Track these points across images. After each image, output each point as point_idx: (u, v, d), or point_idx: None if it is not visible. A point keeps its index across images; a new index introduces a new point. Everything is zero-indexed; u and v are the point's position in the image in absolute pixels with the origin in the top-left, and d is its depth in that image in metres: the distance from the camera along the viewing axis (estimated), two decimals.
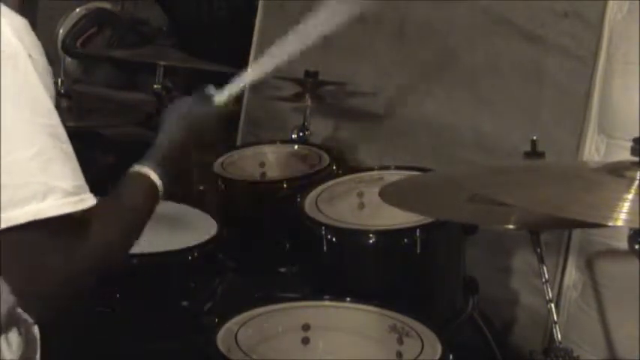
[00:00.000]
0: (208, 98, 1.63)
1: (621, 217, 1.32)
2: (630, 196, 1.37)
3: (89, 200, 1.18)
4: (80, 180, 1.19)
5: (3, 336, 1.25)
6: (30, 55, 1.16)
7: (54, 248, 1.15)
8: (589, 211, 1.37)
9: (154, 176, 1.39)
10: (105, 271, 1.25)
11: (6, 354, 1.25)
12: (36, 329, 1.35)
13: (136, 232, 1.33)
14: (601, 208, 1.37)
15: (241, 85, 1.70)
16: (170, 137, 1.50)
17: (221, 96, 1.65)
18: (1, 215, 1.10)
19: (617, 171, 1.46)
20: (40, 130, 1.14)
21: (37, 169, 1.13)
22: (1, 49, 1.13)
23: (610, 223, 1.33)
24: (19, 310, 1.33)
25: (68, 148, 1.19)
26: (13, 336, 1.28)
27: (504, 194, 1.50)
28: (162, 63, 2.94)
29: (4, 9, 1.17)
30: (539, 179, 1.61)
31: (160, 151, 1.46)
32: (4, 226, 1.11)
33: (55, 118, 1.18)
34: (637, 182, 1.41)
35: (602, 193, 1.44)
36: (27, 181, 1.12)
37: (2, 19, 1.15)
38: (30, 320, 1.35)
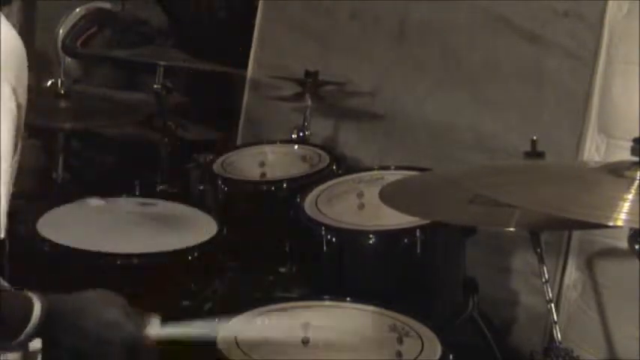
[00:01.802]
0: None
1: (621, 217, 1.32)
2: (630, 196, 1.37)
3: None
4: None
5: None
6: None
7: None
8: (589, 211, 1.37)
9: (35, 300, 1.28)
10: None
11: (9, 355, 1.25)
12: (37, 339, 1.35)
13: None
14: (601, 208, 1.37)
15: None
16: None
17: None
18: None
19: (617, 171, 1.46)
20: None
21: None
22: None
23: (610, 223, 1.33)
24: None
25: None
26: None
27: (504, 194, 1.50)
28: (162, 63, 2.94)
29: None
30: (539, 179, 1.61)
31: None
32: None
33: None
34: (637, 182, 1.41)
35: (602, 193, 1.44)
36: None
37: None
38: None
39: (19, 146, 1.27)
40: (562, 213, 1.42)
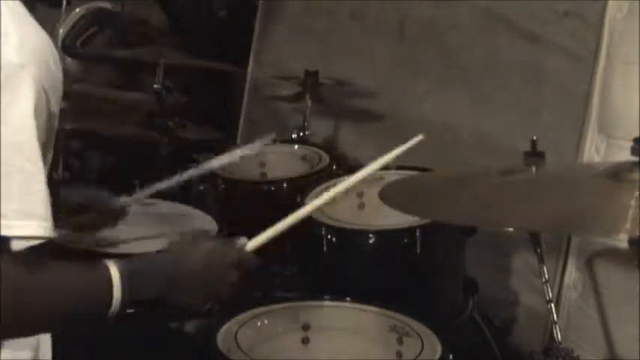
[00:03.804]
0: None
1: (625, 226, 1.31)
2: (632, 202, 1.36)
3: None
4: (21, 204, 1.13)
5: None
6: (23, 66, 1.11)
7: None
8: (593, 225, 1.36)
9: (113, 271, 1.26)
10: None
11: (19, 354, 1.26)
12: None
13: (15, 317, 1.15)
14: (605, 222, 1.36)
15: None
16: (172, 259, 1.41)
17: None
18: None
19: (618, 175, 1.46)
20: None
21: None
22: None
23: (613, 235, 1.33)
24: None
25: (31, 168, 1.13)
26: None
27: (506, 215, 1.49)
28: (162, 63, 2.94)
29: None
30: (540, 187, 1.60)
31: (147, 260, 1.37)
32: None
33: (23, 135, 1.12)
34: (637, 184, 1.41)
35: (606, 204, 1.42)
36: None
37: None
38: None
39: (49, 157, 1.22)
40: (566, 228, 1.41)
